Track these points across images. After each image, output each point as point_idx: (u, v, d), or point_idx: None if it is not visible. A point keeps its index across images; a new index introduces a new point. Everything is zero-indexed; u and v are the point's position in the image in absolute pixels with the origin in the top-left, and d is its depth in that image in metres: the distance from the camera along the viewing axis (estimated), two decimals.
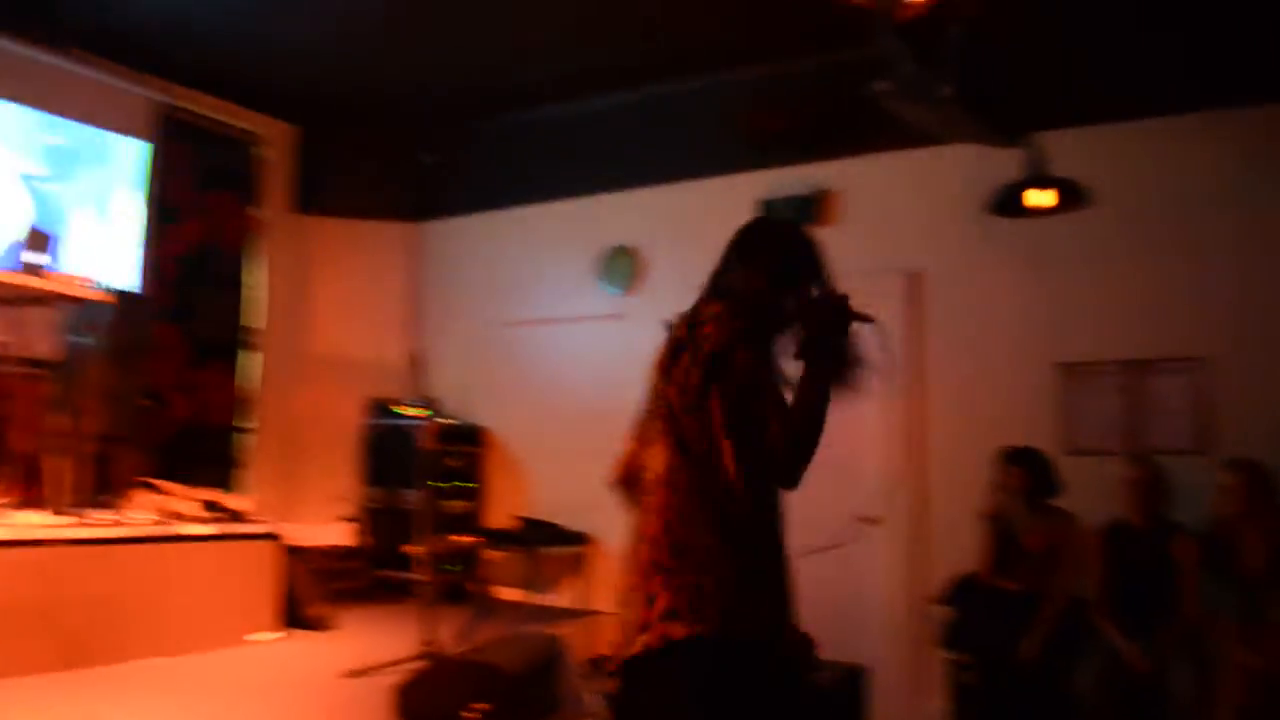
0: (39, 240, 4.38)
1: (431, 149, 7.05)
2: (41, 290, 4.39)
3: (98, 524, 4.40)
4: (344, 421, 6.75)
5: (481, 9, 5.40)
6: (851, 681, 4.03)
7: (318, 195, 7.25)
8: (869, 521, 5.39)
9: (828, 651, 4.07)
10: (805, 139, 5.75)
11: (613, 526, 5.53)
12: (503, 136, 7.03)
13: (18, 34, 5.60)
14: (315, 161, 7.27)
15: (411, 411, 6.28)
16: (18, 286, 4.27)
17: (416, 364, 4.84)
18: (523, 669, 3.52)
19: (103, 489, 4.86)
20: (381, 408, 6.66)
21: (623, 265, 6.42)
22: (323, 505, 6.67)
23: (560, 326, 6.64)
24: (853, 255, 5.46)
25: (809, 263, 2.16)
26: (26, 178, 5.50)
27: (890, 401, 5.30)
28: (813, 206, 5.70)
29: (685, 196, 6.21)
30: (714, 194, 6.01)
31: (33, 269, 4.31)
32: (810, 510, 5.76)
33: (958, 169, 5.28)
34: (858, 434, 5.42)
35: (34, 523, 4.21)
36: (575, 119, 6.66)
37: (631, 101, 6.34)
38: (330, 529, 6.49)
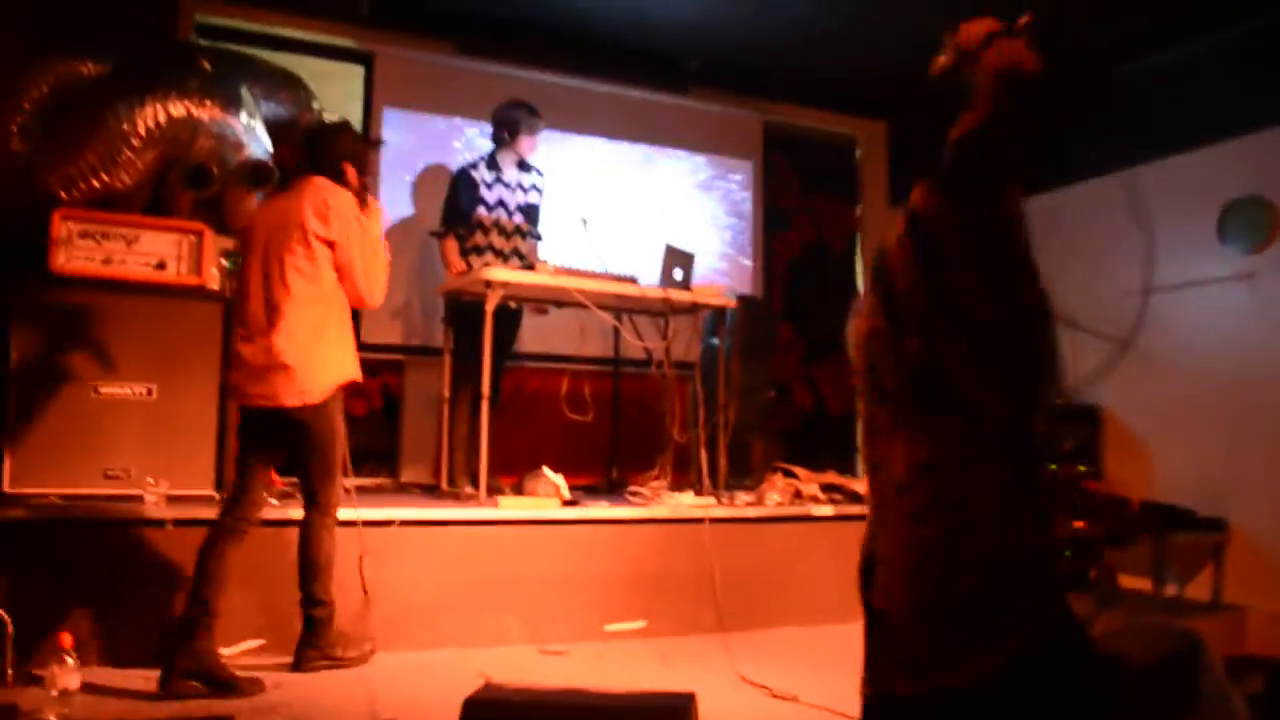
0: (680, 259, 5.06)
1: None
2: (684, 302, 5.08)
3: (738, 505, 4.99)
4: None
5: None
6: None
7: (910, 187, 7.45)
8: None
9: None
10: None
11: (1257, 511, 5.04)
12: (1089, 99, 6.63)
13: (643, 83, 6.57)
14: (905, 154, 7.48)
15: None
16: (666, 300, 4.98)
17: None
18: (1154, 662, 3.32)
19: (742, 473, 5.51)
20: None
21: (1253, 219, 5.66)
22: None
23: (1178, 293, 6.10)
24: None
25: None
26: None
27: None
28: None
29: None
30: None
31: (676, 284, 5.00)
32: None
33: None
34: None
35: (685, 503, 4.89)
36: (1179, 65, 6.07)
37: (1239, 33, 5.61)
38: None
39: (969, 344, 1.55)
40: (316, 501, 3.60)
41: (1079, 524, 6.23)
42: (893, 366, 1.64)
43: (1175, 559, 5.78)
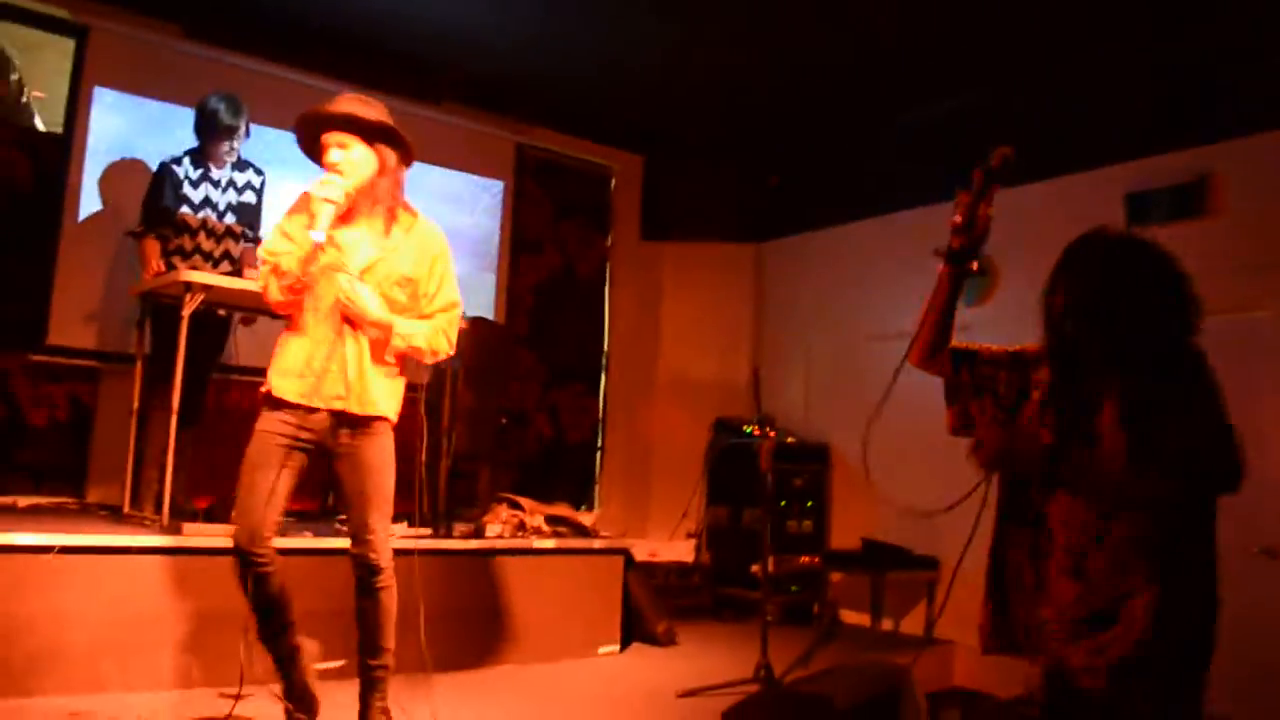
0: None
1: (773, 168, 7.04)
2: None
3: (456, 537, 4.73)
4: (689, 440, 6.86)
5: (814, 24, 5.36)
6: None
7: (663, 221, 7.48)
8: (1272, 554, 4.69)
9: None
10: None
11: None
12: (844, 151, 6.88)
13: (394, 90, 6.24)
14: (660, 189, 7.51)
15: (756, 430, 6.27)
16: None
17: (756, 381, 4.79)
18: (861, 702, 3.32)
19: (467, 503, 5.24)
20: (726, 427, 6.70)
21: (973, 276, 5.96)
22: (667, 522, 6.81)
23: (901, 341, 6.32)
24: (1245, 249, 4.82)
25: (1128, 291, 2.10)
26: None
27: None
28: (1192, 198, 5.05)
29: (1041, 198, 5.69)
30: (1074, 193, 5.49)
31: None
32: None
33: None
34: (1260, 448, 4.78)
35: (397, 533, 4.56)
36: (917, 126, 6.37)
37: (975, 102, 5.96)
38: (674, 546, 6.60)
39: None
40: None
41: (804, 559, 6.36)
42: None
43: (892, 595, 5.96)
